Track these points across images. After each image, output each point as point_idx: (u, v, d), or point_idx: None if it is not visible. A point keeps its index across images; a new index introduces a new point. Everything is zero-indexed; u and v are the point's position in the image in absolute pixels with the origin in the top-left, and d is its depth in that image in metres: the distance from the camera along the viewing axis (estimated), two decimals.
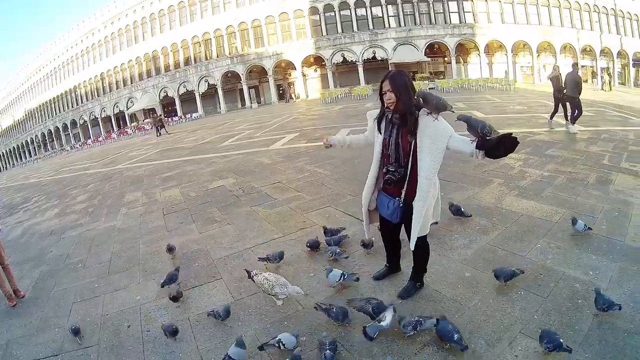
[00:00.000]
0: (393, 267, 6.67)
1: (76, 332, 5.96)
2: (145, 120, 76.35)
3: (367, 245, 7.52)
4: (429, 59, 67.97)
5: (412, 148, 5.11)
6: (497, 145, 4.58)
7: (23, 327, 7.57)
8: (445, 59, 71.01)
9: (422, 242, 5.57)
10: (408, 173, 5.23)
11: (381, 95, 5.17)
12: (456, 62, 69.23)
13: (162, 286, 7.63)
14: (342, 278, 6.48)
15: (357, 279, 6.64)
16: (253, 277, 6.33)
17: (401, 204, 5.40)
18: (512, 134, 4.54)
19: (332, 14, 68.25)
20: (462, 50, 71.14)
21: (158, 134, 48.43)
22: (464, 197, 9.97)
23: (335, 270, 6.63)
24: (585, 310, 5.19)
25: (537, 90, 48.66)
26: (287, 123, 34.46)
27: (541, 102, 31.55)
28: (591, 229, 7.43)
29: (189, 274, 8.10)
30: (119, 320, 6.97)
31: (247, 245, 9.06)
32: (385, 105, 5.16)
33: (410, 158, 5.16)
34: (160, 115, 56.96)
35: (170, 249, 8.74)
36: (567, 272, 6.09)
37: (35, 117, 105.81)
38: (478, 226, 8.22)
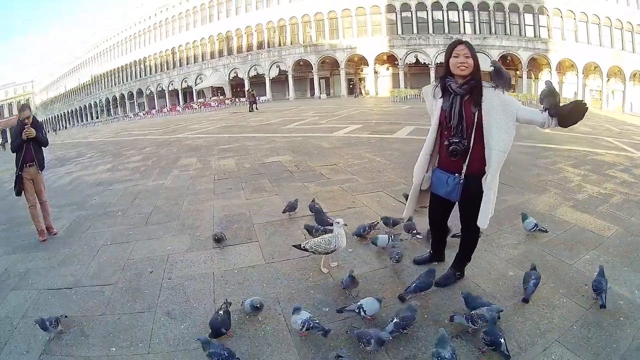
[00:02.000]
0: (437, 254, 6.30)
1: (43, 326, 5.09)
2: (212, 98, 77.71)
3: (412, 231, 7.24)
4: None
5: (477, 120, 4.85)
6: (569, 113, 4.59)
7: (46, 260, 7.69)
8: (517, 72, 69.03)
9: (475, 229, 5.32)
10: (470, 147, 4.91)
11: (448, 60, 4.91)
12: (527, 77, 67.45)
13: (283, 212, 8.68)
14: (389, 240, 6.62)
15: (402, 240, 7.03)
16: (305, 247, 6.06)
17: (462, 180, 5.03)
18: (582, 101, 4.65)
19: (409, 14, 67.67)
20: (534, 65, 69.40)
21: (251, 109, 48.50)
22: (518, 201, 9.52)
23: (382, 235, 6.74)
24: (627, 329, 4.77)
25: (604, 115, 47.64)
26: (353, 115, 33.93)
27: (606, 127, 30.65)
28: (546, 231, 7.40)
29: (226, 234, 7.88)
30: (143, 266, 6.94)
31: (293, 215, 8.83)
32: (455, 69, 4.84)
33: (474, 130, 4.87)
34: (253, 91, 56.78)
35: (219, 239, 7.49)
36: (612, 287, 5.47)
37: (100, 83, 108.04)
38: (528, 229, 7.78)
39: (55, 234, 9.04)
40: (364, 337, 4.29)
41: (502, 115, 4.73)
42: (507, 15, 65.96)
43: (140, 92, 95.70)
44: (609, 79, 66.57)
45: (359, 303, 4.84)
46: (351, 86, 74.36)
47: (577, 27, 65.54)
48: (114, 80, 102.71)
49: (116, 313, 5.56)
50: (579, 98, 56.84)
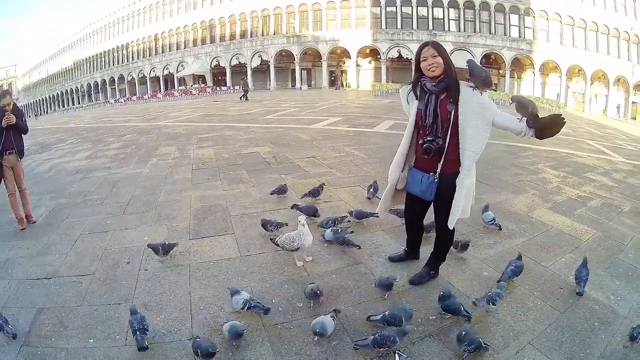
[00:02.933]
0: (412, 252, 6.39)
1: None
2: (193, 85, 77.14)
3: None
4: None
5: (452, 119, 4.91)
6: (548, 126, 4.60)
7: (26, 249, 7.71)
8: (500, 71, 68.73)
9: (452, 230, 5.37)
10: (446, 147, 4.98)
11: (418, 63, 5.02)
12: (510, 77, 67.37)
13: (271, 193, 9.39)
14: (335, 233, 6.90)
15: (352, 232, 7.20)
16: (277, 242, 6.34)
17: (436, 179, 5.09)
18: (561, 115, 4.63)
19: (394, 9, 67.30)
20: (518, 65, 69.04)
21: (243, 98, 47.11)
22: (496, 200, 9.56)
23: (328, 230, 7.12)
24: (601, 335, 4.89)
25: (586, 118, 48.03)
26: (333, 107, 34.11)
27: (587, 129, 31.10)
28: (500, 228, 7.66)
29: (202, 225, 8.15)
30: (120, 256, 7.02)
31: (267, 208, 8.99)
32: (427, 71, 4.94)
33: (450, 129, 4.94)
34: (246, 79, 55.75)
35: (156, 251, 6.71)
36: (588, 292, 5.72)
37: (83, 68, 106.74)
38: (505, 230, 7.88)
39: (34, 222, 9.07)
40: (387, 340, 4.31)
41: (478, 117, 4.83)
42: (492, 15, 65.56)
43: (121, 78, 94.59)
44: (592, 83, 66.18)
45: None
46: (333, 78, 73.67)
47: (562, 30, 65.24)
48: (96, 66, 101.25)
49: (94, 304, 5.64)
50: (561, 99, 57.15)
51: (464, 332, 4.36)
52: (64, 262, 6.97)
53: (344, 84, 72.34)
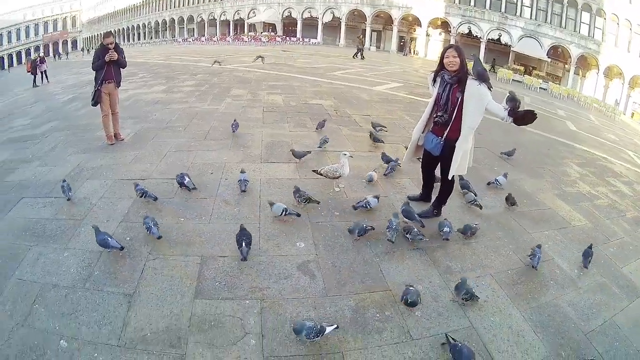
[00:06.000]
0: (425, 195, 8.20)
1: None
2: (263, 33, 77.14)
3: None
4: (550, 60, 65.07)
5: (459, 102, 6.60)
6: (522, 117, 6.20)
7: (117, 159, 9.53)
8: (566, 66, 66.12)
9: (451, 181, 7.28)
10: (451, 120, 6.73)
11: (442, 59, 6.69)
12: (574, 73, 64.72)
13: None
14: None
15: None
16: (320, 171, 8.09)
17: (442, 142, 6.94)
18: (533, 111, 6.22)
19: None
20: (584, 63, 65.48)
21: (357, 56, 43.23)
22: (511, 178, 10.15)
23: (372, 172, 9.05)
24: (551, 290, 6.12)
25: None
26: (396, 73, 33.91)
27: (635, 142, 28.86)
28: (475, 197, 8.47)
29: (270, 155, 9.88)
30: (204, 168, 8.84)
31: (324, 149, 10.44)
32: (447, 67, 6.60)
33: (456, 110, 6.64)
34: (361, 37, 55.22)
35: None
36: (556, 259, 6.98)
37: (152, 5, 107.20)
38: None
39: (123, 139, 10.79)
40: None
41: (477, 102, 6.45)
42: (564, 8, 63.30)
43: (190, 19, 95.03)
44: None
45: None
46: (402, 44, 73.43)
47: (631, 38, 63.51)
48: (166, 4, 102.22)
49: (184, 197, 7.48)
50: (620, 107, 55.49)
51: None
52: (155, 169, 8.73)
53: (412, 51, 72.06)
